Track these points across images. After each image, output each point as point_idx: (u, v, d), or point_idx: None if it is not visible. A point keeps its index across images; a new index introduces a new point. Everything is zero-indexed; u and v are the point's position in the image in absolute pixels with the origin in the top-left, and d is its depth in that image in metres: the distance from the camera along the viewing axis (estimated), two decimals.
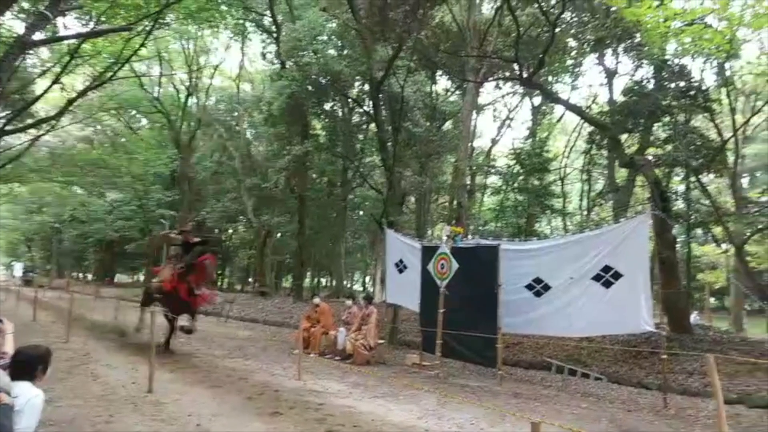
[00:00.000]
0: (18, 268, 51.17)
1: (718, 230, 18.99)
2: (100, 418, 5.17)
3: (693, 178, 16.91)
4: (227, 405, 5.97)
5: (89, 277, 49.32)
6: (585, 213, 25.15)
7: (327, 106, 22.27)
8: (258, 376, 7.92)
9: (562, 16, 14.80)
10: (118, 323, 13.06)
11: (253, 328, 16.07)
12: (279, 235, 31.44)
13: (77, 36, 12.29)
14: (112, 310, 16.32)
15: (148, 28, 12.69)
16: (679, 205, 17.34)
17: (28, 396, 2.81)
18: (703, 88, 14.71)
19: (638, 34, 13.25)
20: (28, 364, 2.96)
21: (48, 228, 42.90)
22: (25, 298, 19.72)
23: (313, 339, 10.87)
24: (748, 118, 19.52)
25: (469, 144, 22.88)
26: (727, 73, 18.29)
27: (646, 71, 14.79)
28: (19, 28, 13.43)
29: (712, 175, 16.69)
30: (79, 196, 32.46)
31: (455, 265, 9.08)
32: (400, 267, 11.43)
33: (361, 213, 31.17)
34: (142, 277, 41.35)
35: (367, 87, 19.46)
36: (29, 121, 16.17)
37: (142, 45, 13.73)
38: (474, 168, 24.62)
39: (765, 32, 13.11)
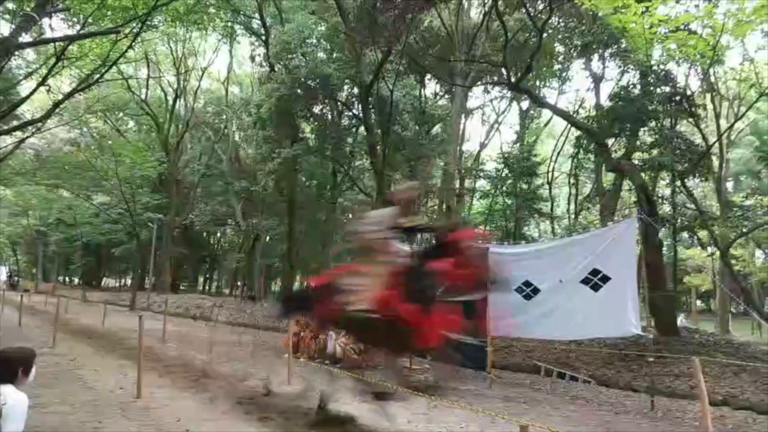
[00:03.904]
0: (2, 272, 50.46)
1: (703, 234, 19.24)
2: (88, 424, 5.12)
3: (678, 183, 17.13)
4: (217, 410, 5.94)
5: (75, 281, 48.76)
6: (573, 216, 25.34)
7: (316, 110, 22.28)
8: (247, 381, 7.88)
9: (550, 21, 14.95)
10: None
11: (242, 333, 15.96)
12: (268, 238, 31.32)
13: (64, 38, 12.16)
14: (99, 315, 16.18)
15: (135, 31, 12.59)
16: (665, 208, 17.55)
17: (13, 400, 2.77)
18: (688, 93, 14.92)
19: (624, 40, 13.40)
20: (8, 367, 2.90)
21: (34, 231, 42.37)
22: (9, 303, 19.44)
23: (302, 343, 10.82)
24: (732, 124, 19.83)
25: (458, 148, 23.02)
26: (712, 79, 18.58)
27: (632, 76, 14.98)
28: (4, 29, 13.33)
29: (697, 179, 16.90)
30: (65, 199, 32.08)
31: None
32: None
33: (350, 216, 31.15)
34: (129, 281, 41.01)
35: (356, 90, 19.50)
36: (15, 123, 15.97)
37: (130, 47, 13.61)
38: (463, 171, 24.74)
39: (747, 39, 13.36)
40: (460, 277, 4.53)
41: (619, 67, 16.44)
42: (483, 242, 5.03)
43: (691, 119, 15.38)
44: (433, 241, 4.94)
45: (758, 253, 29.38)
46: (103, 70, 13.74)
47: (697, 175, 14.73)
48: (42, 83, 12.91)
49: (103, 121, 27.96)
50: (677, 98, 13.89)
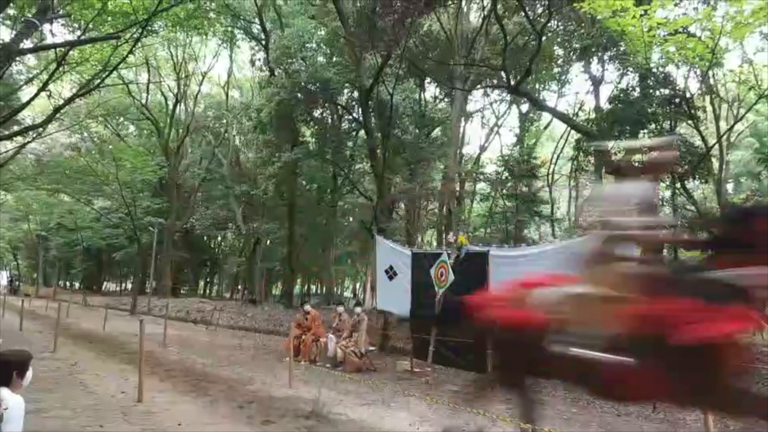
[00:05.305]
0: (3, 277, 50.46)
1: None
2: (89, 428, 5.13)
3: (678, 185, 17.15)
4: (218, 414, 5.95)
5: (76, 285, 48.72)
6: (573, 219, 25.35)
7: (316, 113, 22.30)
8: (248, 385, 7.88)
9: (549, 24, 14.98)
10: None
11: (242, 337, 15.97)
12: (268, 242, 31.33)
13: (65, 44, 12.22)
14: (100, 319, 16.19)
15: (136, 36, 12.64)
16: (666, 210, 17.56)
17: (10, 402, 2.79)
18: (688, 96, 14.94)
19: (623, 43, 13.44)
20: (5, 369, 2.90)
21: (34, 236, 42.38)
22: (11, 307, 19.46)
23: (303, 347, 10.82)
24: (732, 125, 19.84)
25: (458, 151, 23.05)
26: (711, 82, 18.61)
27: (632, 79, 14.99)
28: (5, 35, 13.38)
29: (697, 181, 16.90)
30: (66, 204, 32.13)
31: (452, 277, 9.16)
32: (390, 274, 11.45)
33: (351, 220, 31.17)
34: (130, 285, 40.99)
35: (356, 94, 19.53)
36: (15, 128, 16.01)
37: (130, 52, 13.65)
38: (463, 174, 24.76)
39: (746, 42, 13.39)
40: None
41: (618, 69, 16.45)
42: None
43: (690, 121, 15.39)
44: (722, 227, 3.30)
45: None
46: (104, 76, 13.81)
47: (697, 177, 14.74)
48: (43, 88, 12.97)
49: (103, 125, 28.06)
50: (677, 101, 13.91)
